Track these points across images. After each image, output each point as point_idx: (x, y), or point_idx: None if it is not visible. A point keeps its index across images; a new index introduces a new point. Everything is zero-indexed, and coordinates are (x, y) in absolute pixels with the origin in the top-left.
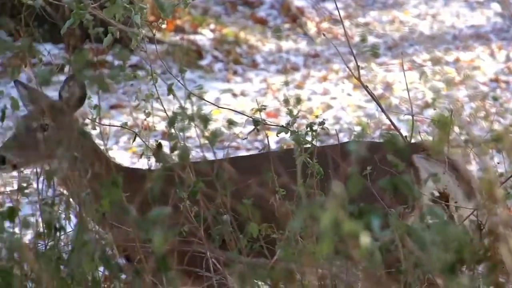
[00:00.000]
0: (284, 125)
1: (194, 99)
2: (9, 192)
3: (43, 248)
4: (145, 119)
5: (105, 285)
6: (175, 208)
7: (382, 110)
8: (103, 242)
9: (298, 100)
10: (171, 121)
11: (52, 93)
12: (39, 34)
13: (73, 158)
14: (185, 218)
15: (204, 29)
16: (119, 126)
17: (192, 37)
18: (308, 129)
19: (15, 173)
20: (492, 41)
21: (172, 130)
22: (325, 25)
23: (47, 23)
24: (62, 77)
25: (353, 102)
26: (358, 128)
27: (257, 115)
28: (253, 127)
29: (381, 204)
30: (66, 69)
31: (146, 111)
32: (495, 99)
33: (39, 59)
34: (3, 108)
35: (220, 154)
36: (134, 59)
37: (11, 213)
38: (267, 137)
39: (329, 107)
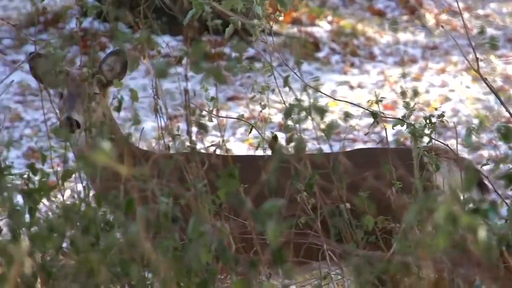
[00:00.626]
0: (401, 118)
1: (310, 91)
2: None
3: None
4: (261, 111)
5: (222, 277)
6: (291, 200)
7: (502, 103)
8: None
9: (416, 93)
10: (287, 113)
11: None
12: (158, 26)
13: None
14: (302, 210)
15: (322, 21)
16: (235, 118)
17: (309, 29)
18: (427, 121)
19: None
20: None
21: (288, 122)
22: (443, 17)
23: (166, 16)
24: (179, 69)
25: (471, 94)
26: (476, 121)
27: (374, 108)
28: (369, 119)
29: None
30: (184, 61)
31: (263, 103)
32: None
33: (157, 51)
34: (120, 99)
35: (337, 147)
36: (251, 51)
37: (130, 205)
38: (385, 129)
39: (447, 99)
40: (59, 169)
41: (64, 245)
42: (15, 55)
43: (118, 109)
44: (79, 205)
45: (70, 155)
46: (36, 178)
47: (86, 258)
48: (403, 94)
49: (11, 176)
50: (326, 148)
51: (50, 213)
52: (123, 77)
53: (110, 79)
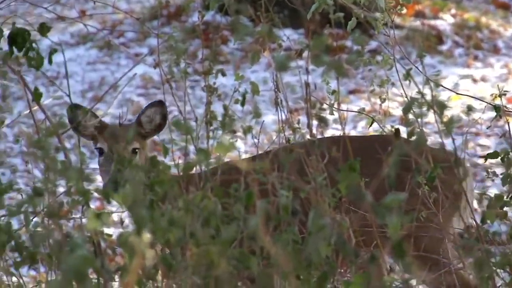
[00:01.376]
0: None
1: (432, 84)
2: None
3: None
4: (382, 104)
5: (341, 270)
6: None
7: None
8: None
9: None
10: (408, 107)
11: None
12: (279, 20)
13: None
14: (422, 204)
15: (445, 14)
16: (356, 112)
17: (432, 22)
18: None
19: None
20: None
21: (409, 116)
22: None
23: (287, 9)
24: (300, 62)
25: None
26: None
27: (497, 101)
28: (492, 113)
29: None
30: (305, 54)
31: (384, 96)
32: None
33: (279, 44)
34: (244, 93)
35: (459, 141)
36: (373, 44)
37: (250, 198)
38: (508, 123)
39: None
40: (180, 161)
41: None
42: (138, 48)
43: (242, 102)
44: (199, 198)
45: (191, 148)
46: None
47: (206, 250)
48: None
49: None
50: (448, 143)
51: (170, 206)
52: (163, 129)
53: (149, 131)
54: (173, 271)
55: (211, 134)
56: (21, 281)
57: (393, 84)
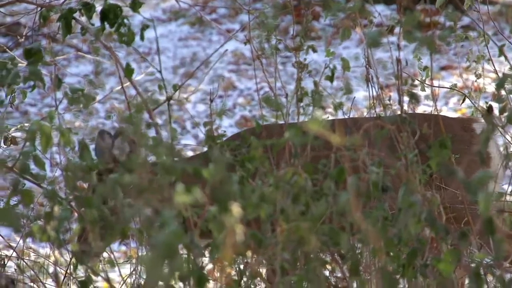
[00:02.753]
0: None
1: None
2: None
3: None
4: (475, 81)
5: (431, 246)
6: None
7: None
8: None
9: None
10: (501, 83)
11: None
12: None
13: None
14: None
15: None
16: (448, 88)
17: None
18: None
19: None
20: None
21: (502, 92)
22: None
23: None
24: (392, 39)
25: None
26: None
27: None
28: None
29: None
30: (397, 30)
31: (477, 72)
32: None
33: (370, 20)
34: (333, 69)
35: None
36: (465, 20)
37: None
38: None
39: None
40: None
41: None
42: (229, 24)
43: (331, 79)
44: (290, 174)
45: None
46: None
47: (296, 226)
48: None
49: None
50: None
51: (260, 182)
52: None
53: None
54: (263, 247)
55: (301, 110)
56: (112, 256)
57: (487, 60)
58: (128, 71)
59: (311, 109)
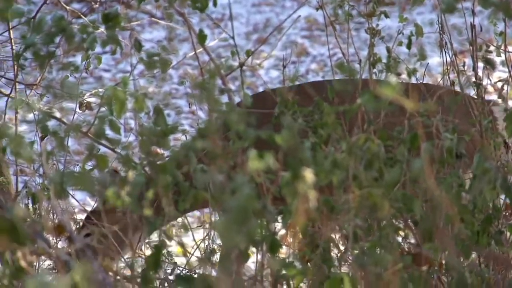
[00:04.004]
0: None
1: None
2: None
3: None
4: None
5: (507, 213)
6: None
7: None
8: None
9: None
10: None
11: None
12: None
13: None
14: None
15: None
16: None
17: None
18: None
19: None
20: None
21: None
22: None
23: None
24: (467, 4)
25: None
26: None
27: None
28: None
29: None
30: None
31: None
32: None
33: None
34: (410, 35)
35: None
36: None
37: (414, 140)
38: None
39: None
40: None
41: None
42: None
43: (409, 45)
44: (362, 140)
45: None
46: None
47: (369, 193)
48: None
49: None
50: None
51: (333, 148)
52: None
53: None
54: (335, 213)
55: (374, 76)
56: (185, 221)
57: None
58: (201, 37)
59: (384, 75)
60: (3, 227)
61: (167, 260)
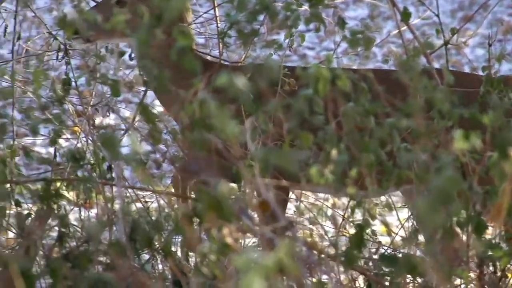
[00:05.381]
0: None
1: None
2: None
3: None
4: None
5: None
6: None
7: None
8: None
9: None
10: None
11: None
12: None
13: None
14: None
15: None
16: None
17: None
18: None
19: None
20: None
21: None
22: None
23: None
24: None
25: None
26: None
27: None
28: None
29: None
30: None
31: None
32: None
33: None
34: None
35: None
36: None
37: None
38: None
39: None
40: None
41: None
42: None
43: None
44: None
45: None
46: None
47: None
48: None
49: None
50: None
51: None
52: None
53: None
54: None
55: None
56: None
57: None
58: (405, 15)
59: None
60: (210, 204)
61: (371, 239)
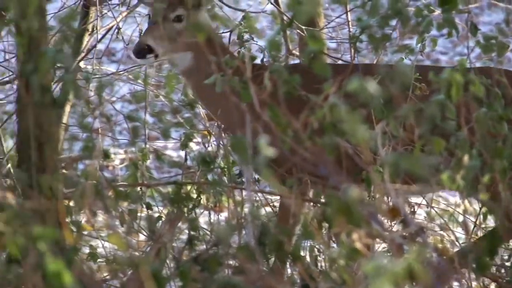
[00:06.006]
0: None
1: None
2: None
3: None
4: None
5: None
6: None
7: None
8: None
9: None
10: None
11: None
12: None
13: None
14: None
15: None
16: None
17: None
18: None
19: None
20: None
21: None
22: None
23: None
24: None
25: None
26: None
27: None
28: None
29: None
30: None
31: None
32: None
33: None
34: None
35: None
36: None
37: None
38: None
39: None
40: None
41: None
42: None
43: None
44: None
45: None
46: None
47: None
48: None
49: None
50: None
51: None
52: None
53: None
54: None
55: None
56: None
57: None
58: None
59: None
60: (339, 209)
61: (503, 246)
